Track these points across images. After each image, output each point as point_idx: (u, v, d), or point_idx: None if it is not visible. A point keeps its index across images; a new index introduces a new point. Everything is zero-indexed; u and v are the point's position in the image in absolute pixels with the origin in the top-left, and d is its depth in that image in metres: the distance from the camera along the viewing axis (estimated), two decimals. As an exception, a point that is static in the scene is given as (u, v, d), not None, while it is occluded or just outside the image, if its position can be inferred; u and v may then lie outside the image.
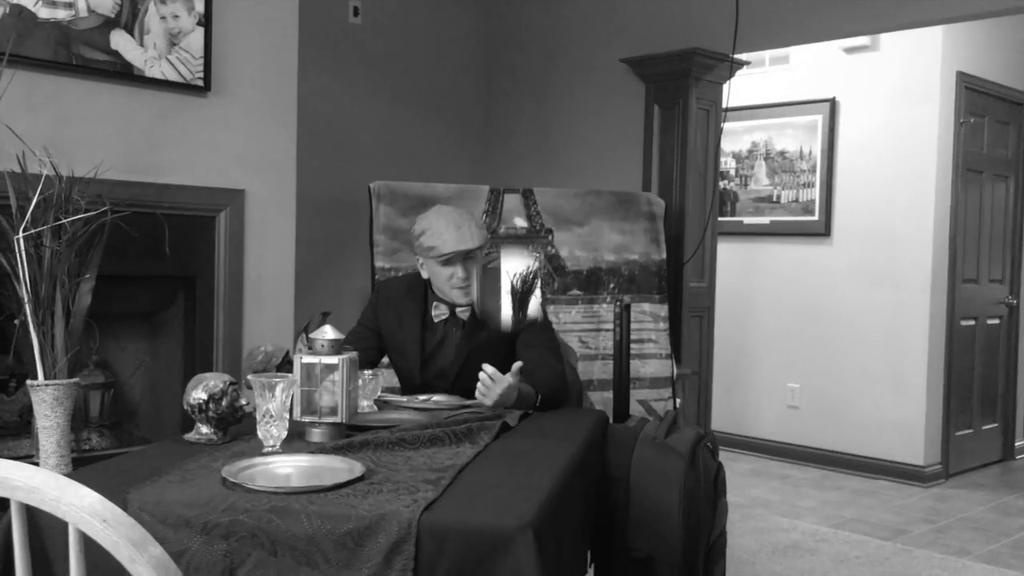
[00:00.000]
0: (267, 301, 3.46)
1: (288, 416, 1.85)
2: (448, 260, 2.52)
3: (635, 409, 3.79)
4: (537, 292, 2.71)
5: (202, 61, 3.22)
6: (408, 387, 2.66)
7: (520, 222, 3.98)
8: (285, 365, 2.21)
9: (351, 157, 4.52)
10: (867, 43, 5.30)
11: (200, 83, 3.23)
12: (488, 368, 2.27)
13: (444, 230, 2.52)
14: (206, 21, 3.23)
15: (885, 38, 5.24)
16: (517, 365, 2.31)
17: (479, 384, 2.29)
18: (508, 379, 2.27)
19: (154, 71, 3.12)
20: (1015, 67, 5.74)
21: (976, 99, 5.40)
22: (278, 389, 1.80)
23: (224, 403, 1.90)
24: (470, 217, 2.59)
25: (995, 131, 5.63)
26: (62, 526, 1.05)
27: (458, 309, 2.61)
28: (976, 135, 5.45)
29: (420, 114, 4.89)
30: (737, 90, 4.66)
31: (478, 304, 2.61)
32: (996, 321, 5.78)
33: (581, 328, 4.03)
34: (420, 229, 2.57)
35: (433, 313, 2.62)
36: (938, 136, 5.17)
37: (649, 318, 4.06)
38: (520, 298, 2.70)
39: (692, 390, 4.38)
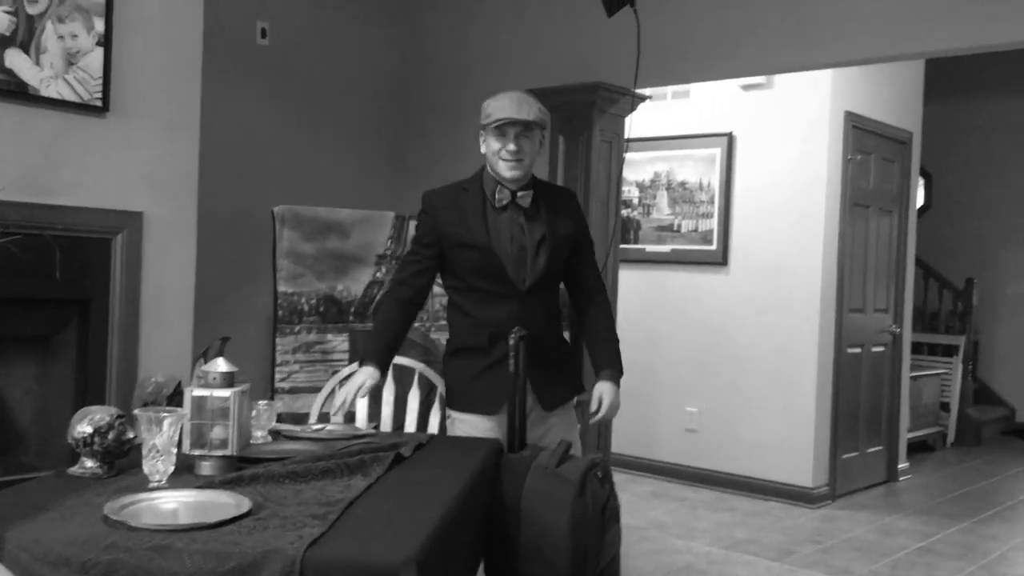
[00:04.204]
0: (165, 325, 3.41)
1: (176, 450, 1.85)
2: (502, 131, 2.62)
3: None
4: None
5: (101, 81, 3.19)
6: (490, 277, 2.67)
7: (424, 249, 4.00)
8: (177, 396, 2.20)
9: (257, 179, 4.49)
10: (762, 81, 5.53)
11: (99, 103, 3.19)
12: (598, 407, 2.73)
13: (506, 102, 2.66)
14: (106, 41, 3.20)
15: (779, 78, 5.47)
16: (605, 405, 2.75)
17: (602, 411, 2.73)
18: (608, 393, 2.72)
19: (50, 90, 3.07)
20: (900, 108, 6.07)
21: (863, 137, 5.69)
22: (165, 424, 1.80)
23: (111, 436, 1.88)
24: (534, 99, 2.71)
25: (881, 168, 5.93)
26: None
27: (519, 195, 2.69)
28: (863, 171, 5.74)
29: (329, 138, 4.89)
30: (641, 120, 4.80)
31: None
32: (881, 349, 6.07)
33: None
34: (485, 105, 2.69)
35: (497, 196, 2.69)
36: (827, 172, 5.42)
37: (550, 345, 4.13)
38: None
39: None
